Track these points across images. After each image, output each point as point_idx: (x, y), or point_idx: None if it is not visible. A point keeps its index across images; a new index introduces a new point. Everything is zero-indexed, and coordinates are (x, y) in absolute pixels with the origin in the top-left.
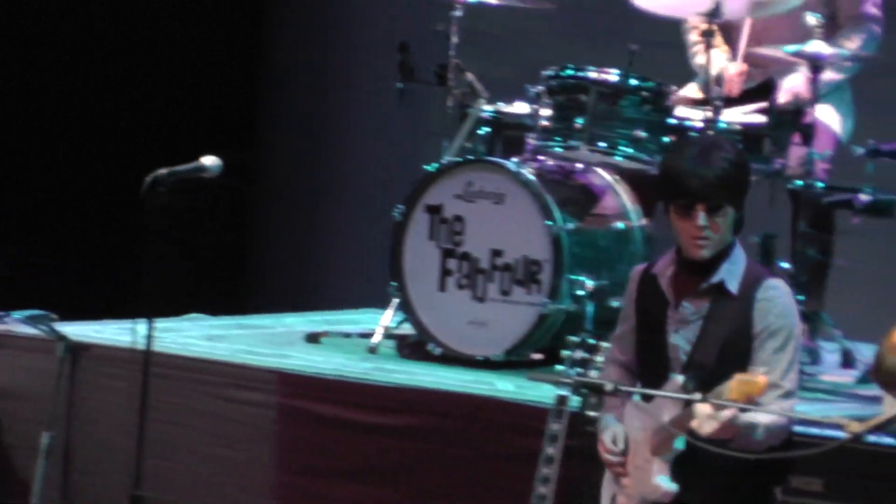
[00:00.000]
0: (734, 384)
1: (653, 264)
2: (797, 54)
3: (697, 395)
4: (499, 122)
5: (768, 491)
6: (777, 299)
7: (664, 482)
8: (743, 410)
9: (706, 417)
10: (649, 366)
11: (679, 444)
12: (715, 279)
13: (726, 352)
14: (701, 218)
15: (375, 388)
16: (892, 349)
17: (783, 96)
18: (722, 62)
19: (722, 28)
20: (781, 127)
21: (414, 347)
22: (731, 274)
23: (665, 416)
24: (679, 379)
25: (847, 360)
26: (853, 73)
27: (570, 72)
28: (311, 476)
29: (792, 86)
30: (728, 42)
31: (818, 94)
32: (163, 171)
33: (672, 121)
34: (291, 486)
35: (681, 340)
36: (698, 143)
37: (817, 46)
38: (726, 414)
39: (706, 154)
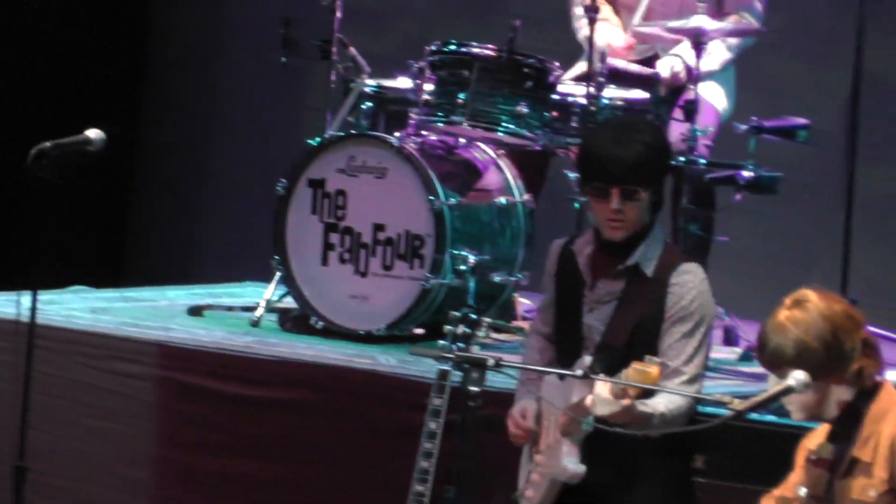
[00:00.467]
0: (630, 372)
1: (573, 240)
2: (680, 30)
3: (578, 372)
4: (381, 96)
5: (683, 473)
6: (690, 284)
7: (571, 463)
8: (640, 397)
9: (603, 401)
10: (565, 343)
11: (587, 426)
12: (630, 261)
13: (638, 334)
14: (616, 202)
15: (257, 362)
16: (776, 329)
17: (663, 71)
18: (609, 36)
19: (612, 1)
20: (663, 103)
21: (296, 321)
22: (647, 257)
23: (574, 397)
24: (587, 360)
25: (729, 338)
26: (741, 51)
27: (452, 47)
28: (192, 450)
29: (671, 65)
30: (618, 15)
31: (700, 71)
32: (47, 143)
33: (555, 96)
34: (171, 459)
35: (595, 321)
36: (615, 124)
37: (700, 21)
38: (624, 403)
39: (622, 137)
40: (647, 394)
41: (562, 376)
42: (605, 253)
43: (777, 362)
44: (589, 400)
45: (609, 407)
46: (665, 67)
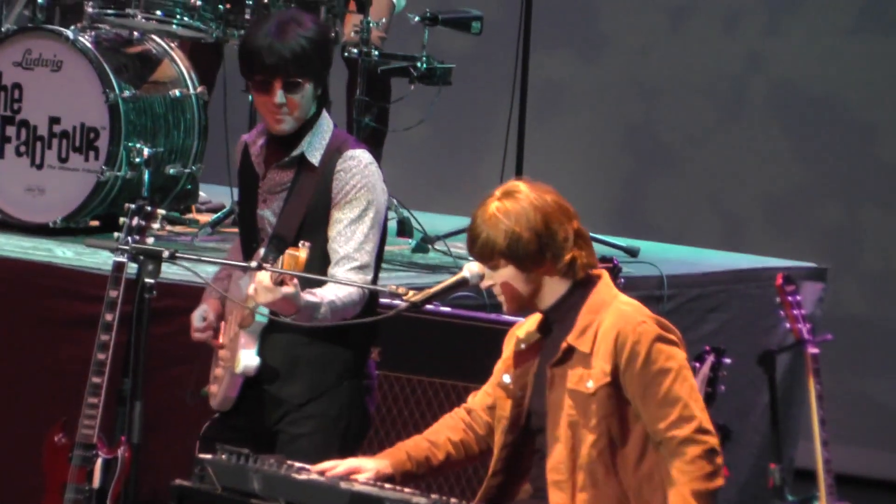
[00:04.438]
0: (285, 258)
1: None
2: None
3: (253, 265)
4: None
5: (353, 363)
6: (355, 169)
7: (245, 356)
8: (309, 284)
9: (263, 289)
10: (245, 238)
11: (260, 317)
12: (296, 152)
13: (308, 224)
14: (278, 95)
15: None
16: (486, 221)
17: None
18: None
19: None
20: None
21: None
22: (314, 146)
23: (248, 289)
24: (262, 252)
25: (402, 229)
26: None
27: None
28: None
29: None
30: None
31: None
32: None
33: None
34: None
35: (268, 213)
36: (276, 18)
37: None
38: (284, 290)
39: (282, 30)
40: (317, 283)
41: (245, 270)
42: (275, 144)
43: (488, 254)
44: (251, 289)
45: (269, 294)
46: None
